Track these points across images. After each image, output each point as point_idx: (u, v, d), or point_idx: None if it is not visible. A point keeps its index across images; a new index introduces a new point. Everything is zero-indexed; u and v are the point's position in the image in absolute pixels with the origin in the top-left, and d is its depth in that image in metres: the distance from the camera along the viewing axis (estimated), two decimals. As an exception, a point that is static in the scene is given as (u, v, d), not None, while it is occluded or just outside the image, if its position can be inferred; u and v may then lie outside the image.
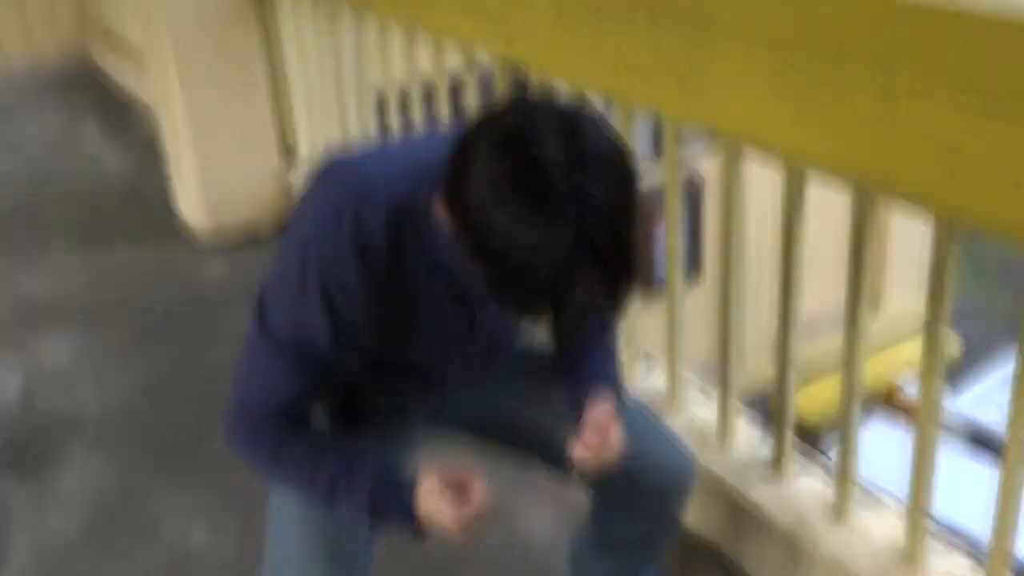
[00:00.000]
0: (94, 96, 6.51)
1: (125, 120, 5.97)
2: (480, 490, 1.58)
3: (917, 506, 1.89)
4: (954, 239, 1.68)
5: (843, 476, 2.04)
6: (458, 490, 1.59)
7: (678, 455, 1.90)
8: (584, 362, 1.81)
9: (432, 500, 1.59)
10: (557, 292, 1.31)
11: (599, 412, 1.69)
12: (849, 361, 1.93)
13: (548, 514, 2.50)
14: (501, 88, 2.61)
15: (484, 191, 1.29)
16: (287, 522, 1.73)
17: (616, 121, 2.23)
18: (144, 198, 4.77)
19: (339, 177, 1.57)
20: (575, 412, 1.73)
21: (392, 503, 1.63)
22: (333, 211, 1.52)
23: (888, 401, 8.51)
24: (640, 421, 1.89)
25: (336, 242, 1.50)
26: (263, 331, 1.58)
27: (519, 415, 1.91)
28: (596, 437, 1.67)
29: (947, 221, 1.66)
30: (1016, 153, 1.46)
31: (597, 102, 2.30)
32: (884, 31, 1.59)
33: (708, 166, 5.65)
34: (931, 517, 1.92)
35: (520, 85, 2.54)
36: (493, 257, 1.31)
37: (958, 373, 9.73)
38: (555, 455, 1.87)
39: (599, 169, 1.29)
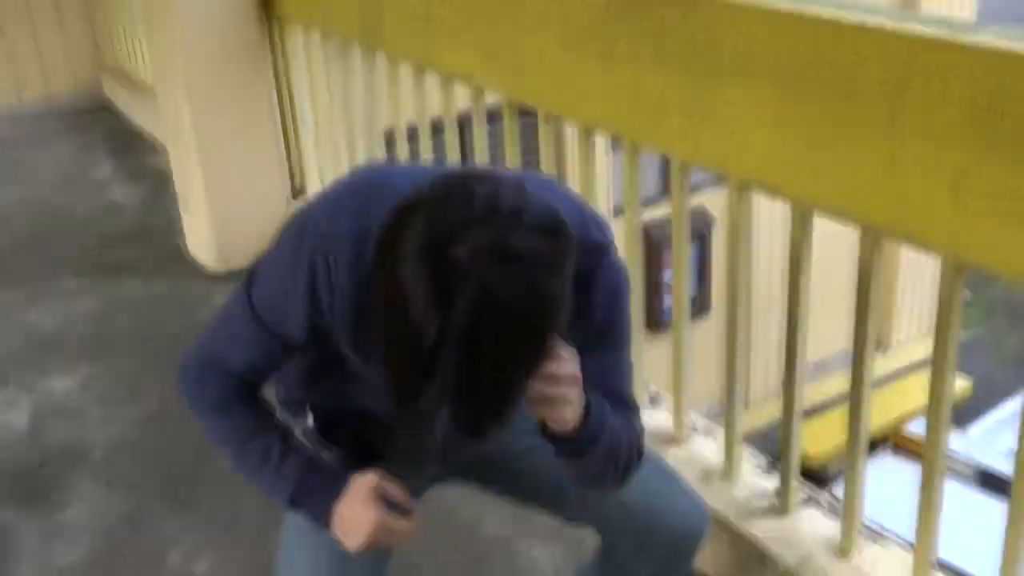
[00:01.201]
0: (106, 131, 6.55)
1: (136, 154, 5.99)
2: (415, 514, 1.60)
3: (922, 545, 1.88)
4: (961, 279, 1.67)
5: (849, 514, 2.03)
6: (390, 506, 1.59)
7: (692, 505, 1.88)
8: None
9: (359, 504, 1.59)
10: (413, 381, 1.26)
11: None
12: (855, 400, 1.93)
13: (550, 549, 2.49)
14: (508, 125, 2.62)
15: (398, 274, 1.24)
16: (296, 551, 1.73)
17: (623, 159, 2.24)
18: (153, 230, 4.79)
19: (361, 173, 1.57)
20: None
21: (317, 493, 1.63)
22: (346, 197, 1.51)
23: (895, 440, 8.50)
24: (654, 471, 1.88)
25: (339, 226, 1.47)
26: (245, 294, 1.58)
27: (524, 467, 1.87)
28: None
29: (954, 261, 1.65)
30: (1020, 190, 1.46)
31: (604, 140, 2.30)
32: (891, 69, 1.59)
33: (717, 201, 5.64)
34: (936, 556, 1.90)
35: (527, 123, 2.55)
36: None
37: (967, 412, 9.72)
38: (557, 504, 1.89)
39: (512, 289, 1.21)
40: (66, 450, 3.10)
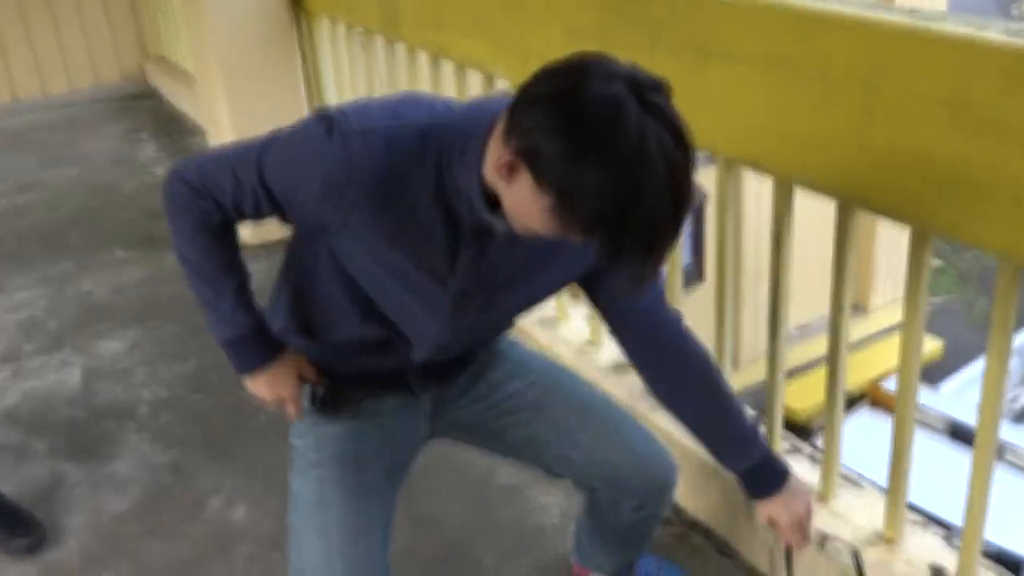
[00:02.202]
0: (151, 115, 6.55)
1: (179, 136, 6.00)
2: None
3: (895, 489, 1.88)
4: (929, 248, 1.67)
5: (828, 463, 2.03)
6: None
7: (660, 454, 1.90)
8: (725, 417, 1.81)
9: (282, 377, 1.70)
10: (620, 224, 1.24)
11: (799, 509, 1.80)
12: (832, 359, 1.93)
13: (556, 496, 2.50)
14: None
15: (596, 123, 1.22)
16: (304, 537, 1.69)
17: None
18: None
19: (391, 97, 1.52)
20: (735, 471, 1.85)
21: (253, 352, 1.70)
22: (375, 103, 1.47)
23: (872, 396, 8.51)
24: (622, 425, 1.89)
25: (370, 123, 1.41)
26: (257, 155, 1.53)
27: (519, 427, 1.87)
28: (799, 535, 1.81)
29: (922, 231, 1.65)
30: (983, 166, 1.46)
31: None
32: (864, 56, 1.59)
33: (710, 179, 5.63)
34: (909, 501, 1.91)
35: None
36: (578, 178, 1.23)
37: (939, 371, 9.72)
38: (550, 462, 1.89)
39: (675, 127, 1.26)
40: (115, 407, 3.12)
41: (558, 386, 1.89)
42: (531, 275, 1.61)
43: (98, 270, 4.21)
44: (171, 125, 6.27)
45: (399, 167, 1.41)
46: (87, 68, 7.06)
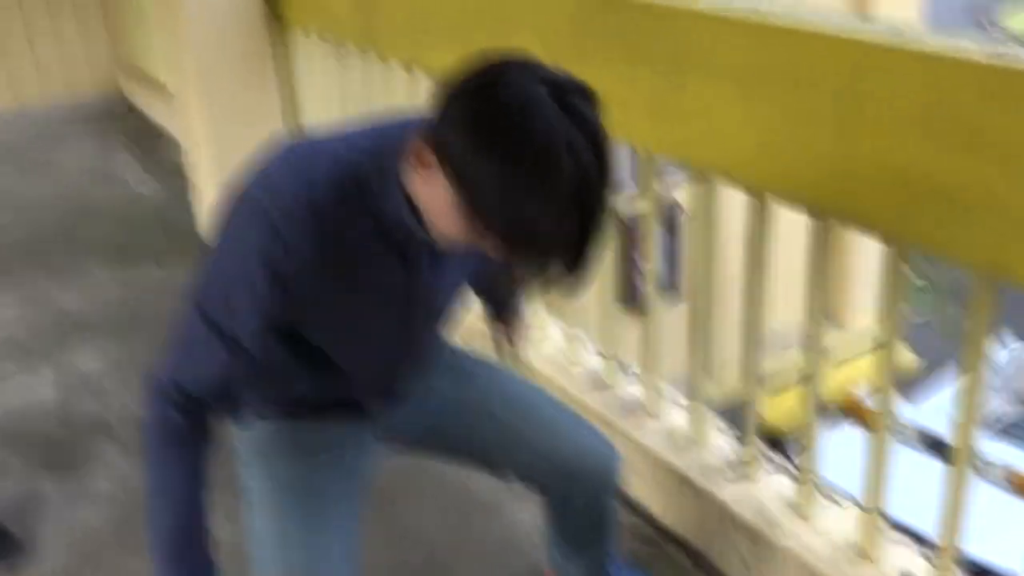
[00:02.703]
0: (127, 128, 6.52)
1: (155, 150, 5.97)
2: None
3: (872, 505, 1.89)
4: (905, 262, 1.68)
5: (805, 477, 2.04)
6: None
7: (603, 442, 1.92)
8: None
9: None
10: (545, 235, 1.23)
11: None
12: (809, 373, 1.93)
13: (533, 509, 2.50)
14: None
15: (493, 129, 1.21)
16: (266, 547, 1.68)
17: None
18: (171, 220, 4.77)
19: (290, 147, 1.43)
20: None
21: None
22: (276, 169, 1.39)
23: (849, 410, 8.54)
24: (562, 416, 1.91)
25: (287, 202, 1.35)
26: (196, 307, 1.43)
27: (464, 430, 1.87)
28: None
29: (898, 245, 1.66)
30: (958, 180, 1.47)
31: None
32: (841, 71, 1.60)
33: (686, 193, 5.65)
34: (886, 516, 1.91)
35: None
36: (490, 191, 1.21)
37: (915, 384, 9.76)
38: (497, 462, 1.90)
39: (588, 120, 1.24)
40: (91, 422, 3.10)
41: (498, 385, 1.90)
42: (457, 274, 1.62)
43: (73, 285, 4.18)
44: (147, 138, 6.24)
45: (332, 227, 1.38)
46: (61, 80, 7.03)
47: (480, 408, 1.86)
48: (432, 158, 1.27)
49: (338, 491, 1.73)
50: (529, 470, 1.90)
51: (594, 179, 1.22)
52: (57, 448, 2.97)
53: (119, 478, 2.80)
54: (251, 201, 1.37)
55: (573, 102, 1.23)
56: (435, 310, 1.64)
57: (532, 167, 1.19)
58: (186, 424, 1.48)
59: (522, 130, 1.19)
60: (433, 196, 1.30)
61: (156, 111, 6.34)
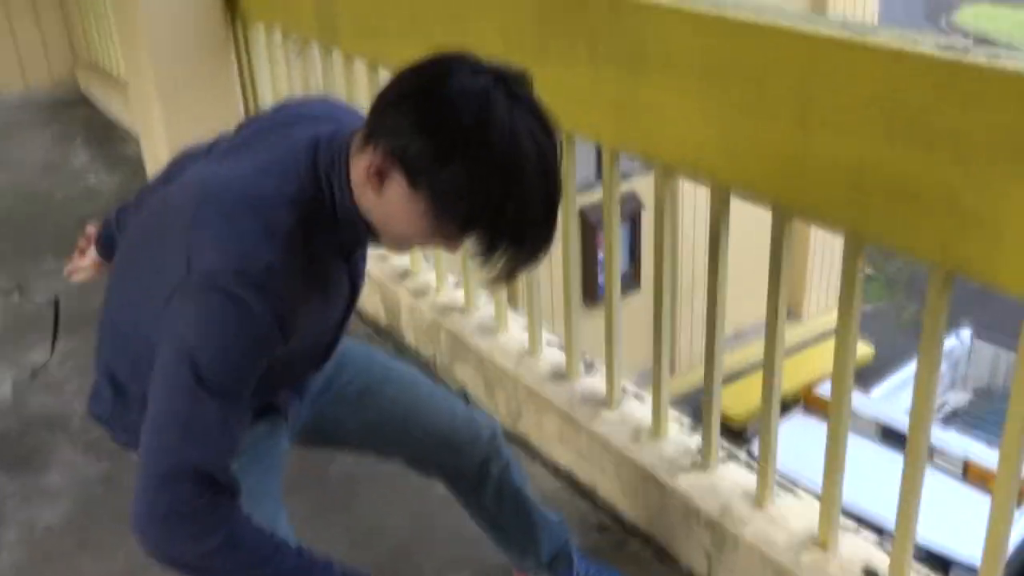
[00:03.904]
0: (83, 121, 6.44)
1: (112, 144, 5.90)
2: None
3: (829, 494, 1.91)
4: (862, 255, 1.69)
5: (763, 467, 2.05)
6: None
7: (477, 411, 2.00)
8: None
9: None
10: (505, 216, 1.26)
11: None
12: (768, 365, 1.95)
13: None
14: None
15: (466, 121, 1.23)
16: None
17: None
18: (128, 214, 4.72)
19: (215, 200, 1.39)
20: None
21: None
22: (216, 227, 1.35)
23: (806, 400, 8.62)
24: (436, 392, 1.96)
25: (251, 252, 1.33)
26: (200, 386, 1.33)
27: (354, 416, 1.89)
28: None
29: (856, 239, 1.68)
30: (915, 175, 1.48)
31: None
32: (799, 67, 1.61)
33: (647, 187, 5.67)
34: (842, 504, 1.93)
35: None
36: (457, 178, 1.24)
37: (870, 375, 9.87)
38: (387, 446, 1.94)
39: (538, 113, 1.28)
40: (47, 419, 3.06)
41: (378, 369, 1.92)
42: (366, 260, 1.67)
43: (29, 279, 4.12)
44: (103, 132, 6.17)
45: (297, 259, 1.37)
46: (16, 73, 6.93)
47: (365, 393, 1.88)
48: (392, 170, 1.27)
49: (267, 486, 1.70)
50: (418, 449, 1.93)
51: (551, 158, 1.27)
52: (13, 445, 2.94)
53: (76, 475, 2.77)
54: (217, 289, 1.32)
55: (518, 90, 1.26)
56: (357, 294, 1.66)
57: (501, 163, 1.22)
58: (225, 494, 1.39)
59: (482, 128, 1.21)
60: (394, 207, 1.31)
61: (113, 105, 6.27)
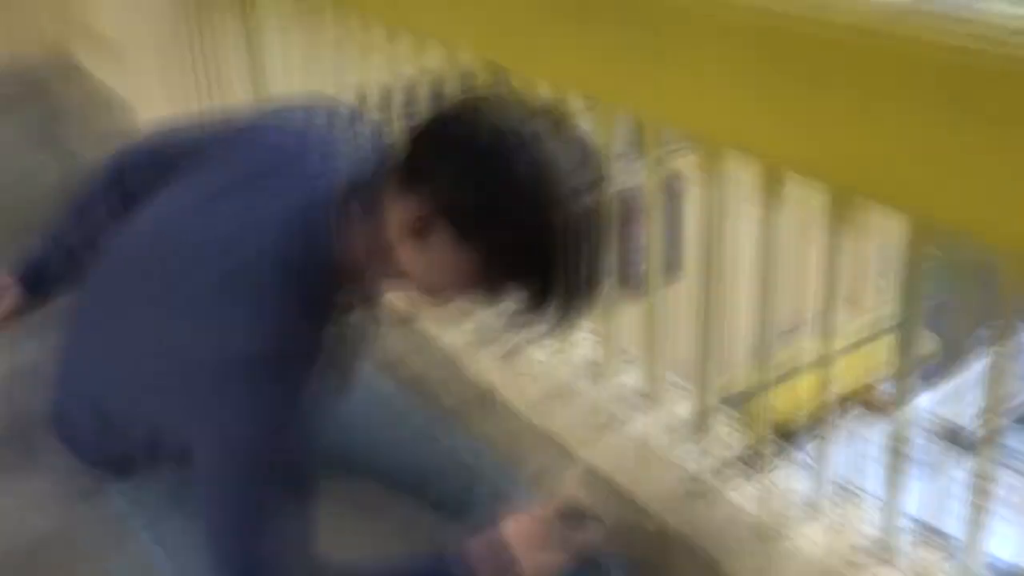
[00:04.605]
0: (74, 92, 6.47)
1: (105, 116, 5.93)
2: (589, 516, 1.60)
3: (891, 502, 1.91)
4: (927, 241, 1.70)
5: (819, 472, 2.06)
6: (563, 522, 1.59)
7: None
8: None
9: (527, 542, 1.57)
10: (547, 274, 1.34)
11: None
12: (823, 361, 1.95)
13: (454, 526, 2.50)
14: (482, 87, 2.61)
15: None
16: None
17: (596, 121, 2.24)
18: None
19: (233, 279, 1.46)
20: None
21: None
22: (262, 309, 1.42)
23: (865, 399, 8.57)
24: (419, 422, 2.03)
25: (284, 329, 1.41)
26: (256, 474, 1.43)
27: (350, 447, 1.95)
28: None
29: (920, 223, 1.68)
30: (985, 156, 1.49)
31: (578, 103, 2.30)
32: (864, 32, 1.61)
33: (688, 165, 5.63)
34: (905, 513, 1.94)
35: (501, 85, 2.54)
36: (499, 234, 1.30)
37: (934, 371, 9.80)
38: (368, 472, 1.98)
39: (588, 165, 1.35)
40: (33, 415, 3.08)
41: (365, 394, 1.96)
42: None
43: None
44: (97, 103, 6.20)
45: (306, 319, 1.45)
46: (4, 41, 6.98)
47: (357, 418, 1.93)
48: (438, 221, 1.32)
49: None
50: (397, 476, 1.98)
51: (601, 201, 1.36)
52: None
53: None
54: (241, 363, 1.39)
55: (565, 133, 1.35)
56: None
57: (555, 213, 1.29)
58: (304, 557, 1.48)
59: (535, 178, 1.28)
60: (437, 257, 1.35)
61: (107, 74, 6.30)
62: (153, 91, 3.97)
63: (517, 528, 1.58)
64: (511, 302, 1.39)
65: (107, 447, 1.70)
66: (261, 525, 1.43)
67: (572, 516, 1.60)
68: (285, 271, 1.43)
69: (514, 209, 1.28)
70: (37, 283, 1.91)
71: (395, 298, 1.48)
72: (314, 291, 1.45)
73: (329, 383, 1.57)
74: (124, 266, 1.66)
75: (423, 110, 1.39)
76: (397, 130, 1.42)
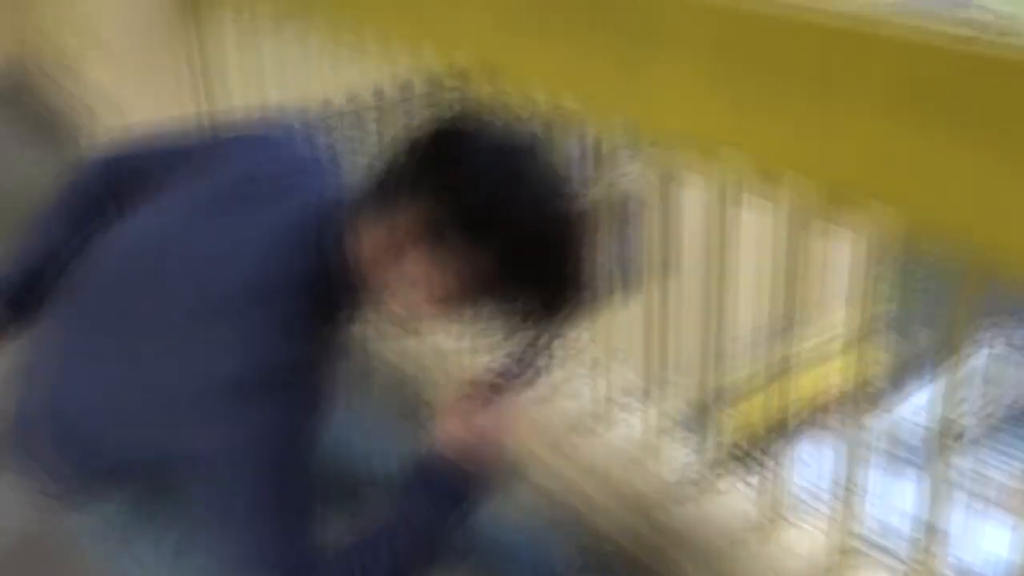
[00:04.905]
0: (32, 107, 6.44)
1: (63, 130, 5.89)
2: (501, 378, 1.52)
3: (845, 518, 1.90)
4: (885, 255, 1.68)
5: (772, 490, 2.05)
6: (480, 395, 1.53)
7: None
8: None
9: (457, 427, 1.51)
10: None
11: None
12: (777, 377, 1.94)
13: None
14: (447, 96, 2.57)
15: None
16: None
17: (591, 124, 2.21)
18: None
19: (240, 298, 1.44)
20: None
21: (456, 482, 1.52)
22: (275, 325, 1.41)
23: (821, 415, 8.63)
24: None
25: (297, 343, 1.41)
26: (277, 475, 1.40)
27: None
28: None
29: (879, 234, 1.66)
30: (951, 162, 1.47)
31: (544, 107, 2.26)
32: (821, 46, 1.60)
33: (642, 185, 5.64)
34: (860, 530, 1.93)
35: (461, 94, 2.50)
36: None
37: (888, 388, 9.88)
38: None
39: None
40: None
41: None
42: None
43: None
44: (55, 118, 6.16)
45: (314, 330, 1.44)
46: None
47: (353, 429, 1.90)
48: (418, 239, 1.33)
49: None
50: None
51: (577, 217, 1.37)
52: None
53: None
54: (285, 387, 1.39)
55: (540, 156, 1.36)
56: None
57: (533, 231, 1.32)
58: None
59: (513, 199, 1.31)
60: (415, 274, 1.36)
61: (64, 85, 6.27)
62: (143, 94, 3.90)
63: (452, 423, 1.52)
64: (516, 311, 1.39)
65: (78, 466, 1.66)
66: (300, 527, 1.42)
67: (490, 382, 1.53)
68: (297, 285, 1.43)
69: (491, 228, 1.30)
70: (17, 302, 1.86)
71: (395, 308, 1.45)
72: (322, 303, 1.45)
73: (332, 393, 1.55)
74: (113, 280, 1.60)
75: (421, 117, 1.41)
76: (394, 139, 1.41)
